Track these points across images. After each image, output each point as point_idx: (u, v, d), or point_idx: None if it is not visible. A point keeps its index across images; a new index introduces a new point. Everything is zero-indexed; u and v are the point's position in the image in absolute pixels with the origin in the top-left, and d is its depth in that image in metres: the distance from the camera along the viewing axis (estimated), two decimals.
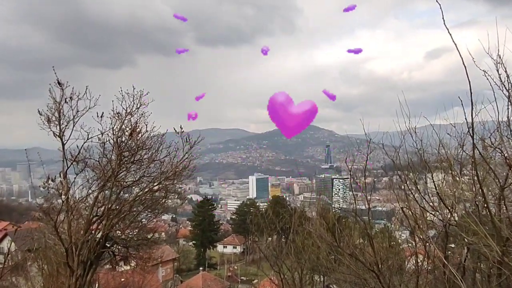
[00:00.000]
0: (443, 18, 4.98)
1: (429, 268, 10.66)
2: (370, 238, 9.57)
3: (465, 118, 5.31)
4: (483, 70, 6.83)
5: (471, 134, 4.81)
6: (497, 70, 7.31)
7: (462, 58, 4.75)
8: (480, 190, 5.39)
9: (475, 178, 7.78)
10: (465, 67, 4.77)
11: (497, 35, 6.76)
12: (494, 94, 6.47)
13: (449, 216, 8.93)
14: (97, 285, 26.13)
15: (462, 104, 5.35)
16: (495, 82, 7.05)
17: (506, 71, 7.28)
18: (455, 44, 4.75)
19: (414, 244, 11.12)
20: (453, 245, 11.41)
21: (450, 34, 4.77)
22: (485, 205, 5.50)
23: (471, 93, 4.91)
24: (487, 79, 6.58)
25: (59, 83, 12.18)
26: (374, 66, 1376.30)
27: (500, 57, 6.62)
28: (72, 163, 12.52)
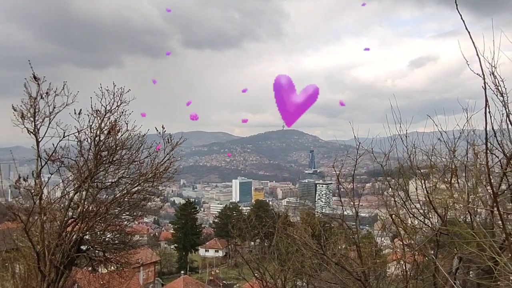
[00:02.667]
0: (461, 18, 4.67)
1: (417, 275, 10.36)
2: (358, 247, 9.21)
3: (486, 122, 4.95)
4: (478, 74, 6.59)
5: (486, 139, 4.50)
6: (492, 74, 7.10)
7: (481, 61, 4.47)
8: (494, 199, 5.06)
9: (469, 184, 7.50)
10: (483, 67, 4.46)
11: (493, 42, 6.57)
12: (496, 99, 6.23)
13: (439, 225, 8.64)
14: (76, 286, 25.28)
15: (484, 109, 4.99)
16: (489, 86, 6.83)
17: (500, 76, 7.10)
18: (476, 48, 4.46)
19: (401, 249, 10.82)
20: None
21: (472, 39, 4.48)
22: (498, 212, 5.18)
23: (485, 96, 4.60)
24: (485, 83, 6.34)
25: (35, 77, 11.52)
26: (359, 73, 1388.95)
27: None
28: (46, 162, 11.87)
